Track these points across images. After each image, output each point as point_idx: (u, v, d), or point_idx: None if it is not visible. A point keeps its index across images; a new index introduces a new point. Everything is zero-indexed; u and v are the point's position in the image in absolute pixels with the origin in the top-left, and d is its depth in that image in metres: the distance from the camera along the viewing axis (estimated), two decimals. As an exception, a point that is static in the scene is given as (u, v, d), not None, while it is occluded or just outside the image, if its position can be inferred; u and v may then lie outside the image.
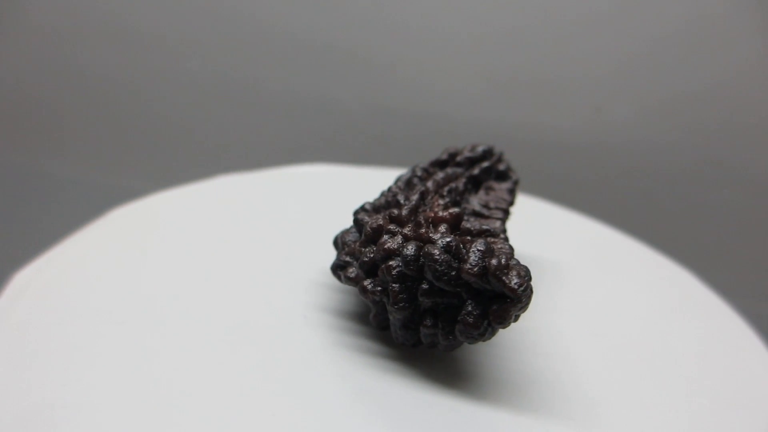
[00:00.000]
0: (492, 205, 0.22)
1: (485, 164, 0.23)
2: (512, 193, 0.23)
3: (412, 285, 0.17)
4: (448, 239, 0.17)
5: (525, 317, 0.21)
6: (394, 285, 0.17)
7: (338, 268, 0.19)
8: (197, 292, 0.21)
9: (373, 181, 0.30)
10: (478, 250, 0.17)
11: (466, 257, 0.17)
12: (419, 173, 0.22)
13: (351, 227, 0.20)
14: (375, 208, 0.20)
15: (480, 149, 0.23)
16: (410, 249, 0.17)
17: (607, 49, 0.42)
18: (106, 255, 0.22)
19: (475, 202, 0.22)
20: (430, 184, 0.21)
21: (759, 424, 0.18)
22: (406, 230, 0.18)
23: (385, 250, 0.18)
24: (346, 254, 0.19)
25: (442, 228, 0.18)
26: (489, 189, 0.23)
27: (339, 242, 0.20)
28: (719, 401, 0.19)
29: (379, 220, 0.19)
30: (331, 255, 0.22)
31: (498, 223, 0.20)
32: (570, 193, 0.44)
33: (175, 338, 0.19)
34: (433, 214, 0.19)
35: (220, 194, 0.28)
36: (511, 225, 0.24)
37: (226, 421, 0.16)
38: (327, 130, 0.48)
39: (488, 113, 0.45)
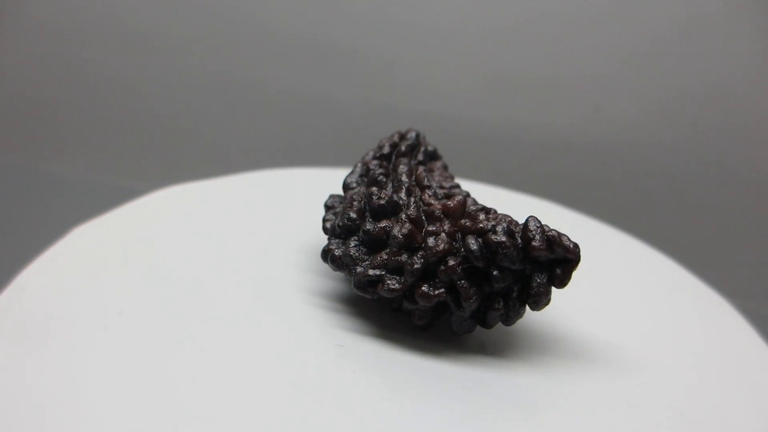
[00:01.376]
0: (445, 184, 0.22)
1: (422, 148, 0.23)
2: (447, 168, 0.24)
3: (477, 276, 0.18)
4: (504, 225, 0.18)
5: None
6: (462, 282, 0.18)
7: (370, 285, 0.19)
8: (202, 337, 0.19)
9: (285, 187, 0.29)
10: (537, 226, 0.18)
11: (531, 236, 0.18)
12: (379, 170, 0.21)
13: (345, 241, 0.20)
14: (360, 213, 0.20)
15: (413, 135, 0.23)
16: (474, 244, 0.18)
17: (606, 47, 0.42)
18: (101, 259, 0.22)
19: (433, 184, 0.22)
20: (404, 177, 0.21)
21: (760, 423, 0.18)
22: (444, 228, 0.19)
23: (441, 251, 0.18)
24: (375, 267, 0.19)
25: (482, 216, 0.19)
26: (430, 170, 0.23)
27: (347, 259, 0.19)
28: (721, 399, 0.19)
29: (407, 225, 0.19)
30: (309, 270, 0.22)
31: (470, 200, 0.21)
32: (569, 192, 0.44)
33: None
34: (440, 206, 0.19)
35: (213, 196, 0.28)
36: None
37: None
38: (327, 130, 0.48)
39: (488, 113, 0.45)
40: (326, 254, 0.20)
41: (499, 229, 0.18)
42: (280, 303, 0.20)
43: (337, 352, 0.19)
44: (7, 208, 0.49)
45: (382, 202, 0.20)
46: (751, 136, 0.42)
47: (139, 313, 0.19)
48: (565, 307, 0.22)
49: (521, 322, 0.21)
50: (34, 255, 0.22)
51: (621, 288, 0.25)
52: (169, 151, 0.51)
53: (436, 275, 0.18)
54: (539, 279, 0.18)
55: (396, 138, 0.23)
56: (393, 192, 0.20)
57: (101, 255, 0.22)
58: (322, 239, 0.23)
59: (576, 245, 0.18)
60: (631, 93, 0.43)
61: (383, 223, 0.19)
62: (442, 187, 0.22)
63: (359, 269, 0.19)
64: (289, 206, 0.27)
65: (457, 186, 0.22)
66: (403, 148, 0.23)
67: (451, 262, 0.18)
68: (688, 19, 0.40)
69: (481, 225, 0.18)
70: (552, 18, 0.41)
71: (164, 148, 0.51)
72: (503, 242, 0.18)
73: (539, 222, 0.18)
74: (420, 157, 0.23)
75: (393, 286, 0.18)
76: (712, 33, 0.40)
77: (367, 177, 0.22)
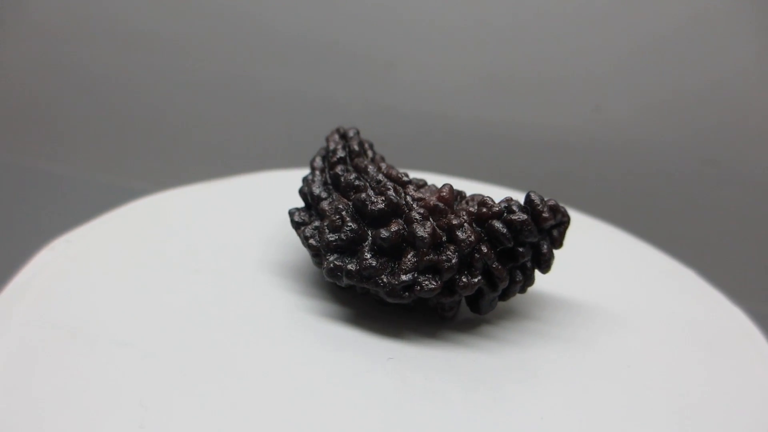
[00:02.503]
0: (394, 173, 0.22)
1: (366, 144, 0.23)
2: (383, 158, 0.24)
3: (503, 256, 0.20)
4: (516, 204, 0.20)
5: (528, 311, 0.22)
6: (495, 264, 0.19)
7: (406, 289, 0.19)
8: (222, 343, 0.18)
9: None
10: (540, 199, 0.20)
11: (539, 209, 0.20)
12: (351, 174, 0.21)
13: (351, 254, 0.19)
14: (357, 221, 0.20)
15: (353, 131, 0.23)
16: (503, 227, 0.19)
17: (606, 47, 0.42)
18: (100, 259, 0.22)
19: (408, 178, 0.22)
20: (381, 177, 0.21)
21: (761, 424, 0.18)
22: (463, 218, 0.19)
23: (474, 241, 0.19)
24: (406, 272, 0.19)
25: (489, 201, 0.20)
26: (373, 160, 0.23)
27: (368, 271, 0.19)
28: (722, 399, 0.19)
29: (427, 224, 0.19)
30: (292, 290, 0.21)
31: (428, 182, 0.22)
32: (569, 192, 0.44)
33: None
34: (437, 198, 0.20)
35: (218, 197, 0.28)
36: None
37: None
38: (327, 130, 0.48)
39: (488, 113, 0.45)
40: (335, 271, 0.19)
41: (515, 208, 0.19)
42: (299, 338, 0.19)
43: (394, 365, 0.18)
44: (7, 208, 0.49)
45: (382, 206, 0.19)
46: (751, 136, 0.42)
47: (161, 400, 0.16)
48: (564, 302, 0.23)
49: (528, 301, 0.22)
50: (33, 256, 0.22)
51: (620, 286, 0.25)
52: (169, 151, 0.51)
53: (471, 264, 0.19)
54: (546, 245, 0.20)
55: (338, 138, 0.23)
56: (380, 194, 0.20)
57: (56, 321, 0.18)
58: (291, 252, 0.23)
59: (564, 207, 0.20)
60: (631, 92, 0.43)
61: (394, 227, 0.19)
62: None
63: (386, 278, 0.19)
64: (242, 217, 0.26)
65: (406, 174, 0.22)
66: (355, 147, 0.22)
67: (485, 249, 0.19)
68: (688, 19, 0.40)
69: (496, 209, 0.19)
70: (552, 18, 0.41)
71: (164, 148, 0.51)
72: (526, 220, 0.19)
73: (538, 195, 0.20)
74: (370, 153, 0.23)
75: (431, 286, 0.19)
76: (711, 33, 0.40)
77: (333, 184, 0.21)
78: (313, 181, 0.21)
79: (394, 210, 0.19)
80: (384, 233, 0.19)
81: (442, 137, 0.46)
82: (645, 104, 0.43)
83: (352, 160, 0.22)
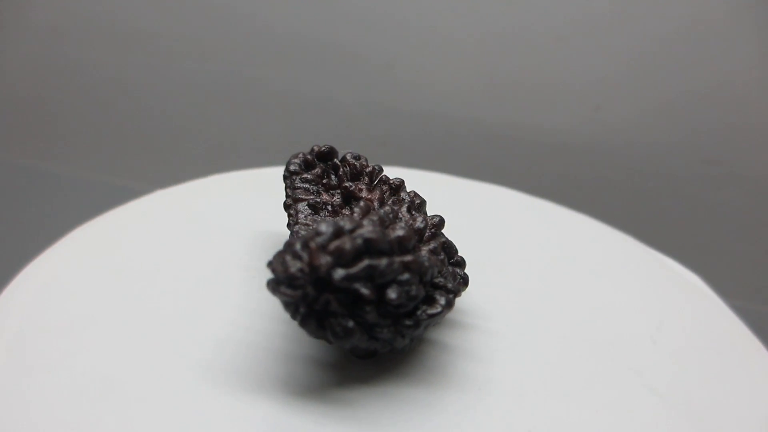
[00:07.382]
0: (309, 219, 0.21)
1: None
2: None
3: None
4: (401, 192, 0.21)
5: (519, 309, 0.22)
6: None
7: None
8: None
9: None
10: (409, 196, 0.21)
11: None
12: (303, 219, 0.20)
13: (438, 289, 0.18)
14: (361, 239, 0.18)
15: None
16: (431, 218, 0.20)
17: (606, 49, 0.42)
18: (96, 261, 0.22)
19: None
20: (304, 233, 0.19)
21: (759, 425, 0.18)
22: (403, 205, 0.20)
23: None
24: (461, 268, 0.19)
25: (409, 198, 0.20)
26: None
27: (453, 293, 0.18)
28: (719, 401, 0.19)
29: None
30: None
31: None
32: (569, 193, 0.44)
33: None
34: (364, 199, 0.20)
35: (216, 195, 0.28)
36: (510, 222, 0.24)
37: None
38: (327, 130, 0.48)
39: (488, 113, 0.45)
40: (451, 303, 0.18)
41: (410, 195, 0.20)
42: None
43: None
44: (7, 208, 0.49)
45: (402, 233, 0.18)
46: (751, 137, 0.42)
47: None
48: (561, 303, 0.23)
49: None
50: (33, 256, 0.22)
51: (618, 286, 0.25)
52: (169, 151, 0.51)
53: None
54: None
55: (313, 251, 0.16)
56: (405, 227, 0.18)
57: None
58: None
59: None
60: (631, 94, 0.43)
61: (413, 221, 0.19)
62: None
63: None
64: (240, 214, 0.26)
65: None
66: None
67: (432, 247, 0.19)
68: (688, 20, 0.40)
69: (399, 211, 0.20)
70: (552, 20, 0.42)
71: (164, 148, 0.51)
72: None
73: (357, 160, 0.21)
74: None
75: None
76: (711, 34, 0.40)
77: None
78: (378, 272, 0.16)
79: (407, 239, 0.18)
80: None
81: (442, 137, 0.46)
82: (645, 105, 0.43)
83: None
